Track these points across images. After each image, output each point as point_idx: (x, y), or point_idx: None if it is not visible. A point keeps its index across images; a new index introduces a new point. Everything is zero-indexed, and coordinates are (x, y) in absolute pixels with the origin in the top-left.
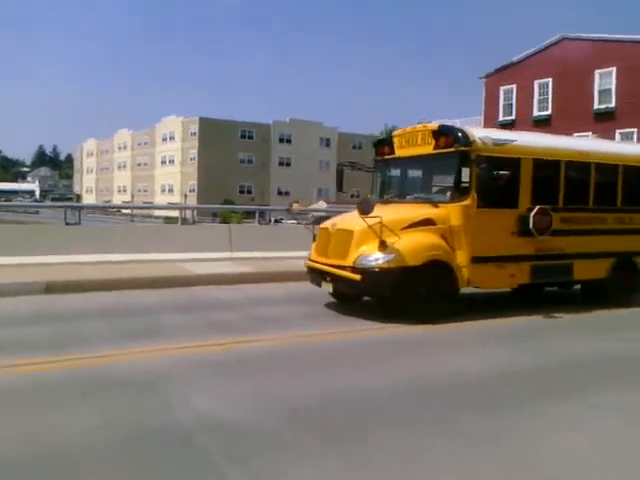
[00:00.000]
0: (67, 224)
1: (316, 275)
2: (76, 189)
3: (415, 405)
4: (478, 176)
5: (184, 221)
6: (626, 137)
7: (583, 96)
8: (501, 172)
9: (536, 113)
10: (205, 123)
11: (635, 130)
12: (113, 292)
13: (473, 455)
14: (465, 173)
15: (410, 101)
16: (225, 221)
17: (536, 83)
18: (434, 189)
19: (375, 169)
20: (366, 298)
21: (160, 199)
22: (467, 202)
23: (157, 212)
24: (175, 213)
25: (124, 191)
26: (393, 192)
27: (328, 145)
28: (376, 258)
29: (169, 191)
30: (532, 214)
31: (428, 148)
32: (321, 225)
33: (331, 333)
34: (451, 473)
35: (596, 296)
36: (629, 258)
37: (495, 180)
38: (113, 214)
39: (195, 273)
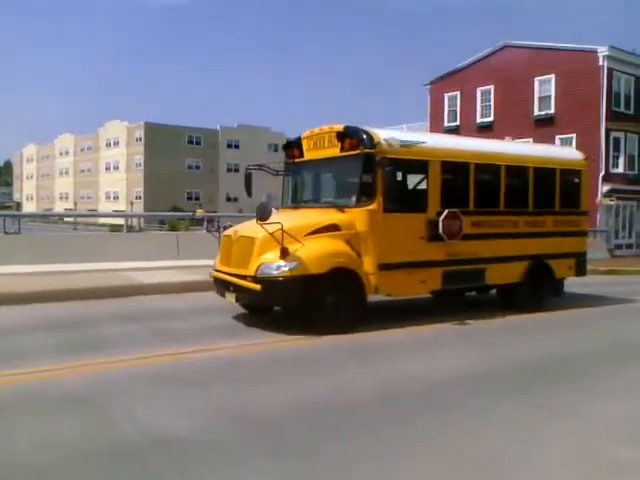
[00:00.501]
0: (6, 233)
1: (220, 285)
2: (16, 197)
3: (350, 417)
4: (384, 179)
5: (130, 229)
6: (565, 142)
7: (524, 103)
8: (409, 175)
9: (479, 119)
10: (151, 128)
11: (574, 135)
12: (54, 304)
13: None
14: (370, 176)
15: (361, 107)
16: (173, 229)
17: (479, 90)
18: (341, 193)
19: (285, 172)
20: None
21: (105, 206)
22: (373, 206)
23: (102, 220)
24: (121, 221)
25: (66, 198)
26: (302, 196)
27: (276, 150)
28: (278, 266)
29: (114, 198)
30: (442, 218)
31: (335, 150)
32: (224, 232)
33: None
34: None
35: (511, 300)
36: (543, 261)
37: (402, 183)
38: (55, 222)
39: (141, 282)
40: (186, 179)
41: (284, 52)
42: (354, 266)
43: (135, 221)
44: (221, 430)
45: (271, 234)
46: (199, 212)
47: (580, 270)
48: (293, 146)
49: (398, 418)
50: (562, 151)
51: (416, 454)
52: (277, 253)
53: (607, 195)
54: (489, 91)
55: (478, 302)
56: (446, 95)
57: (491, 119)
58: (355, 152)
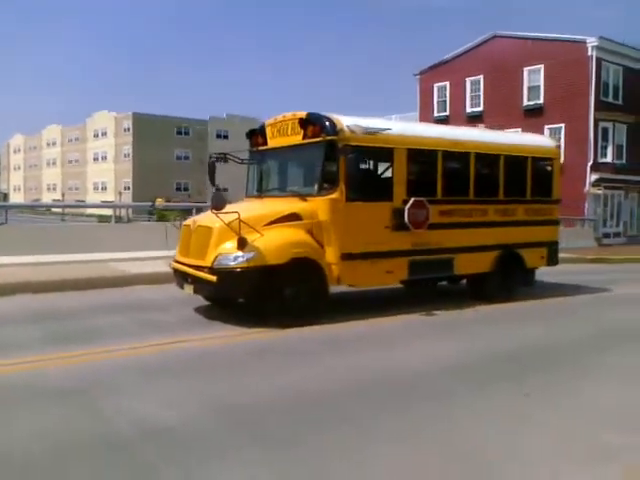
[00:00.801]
0: None
1: (179, 277)
2: (3, 187)
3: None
4: (347, 167)
5: (118, 220)
6: (554, 132)
7: (513, 93)
8: (373, 163)
9: (469, 109)
10: (139, 119)
11: (563, 125)
12: (41, 294)
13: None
14: (332, 164)
15: (352, 95)
16: (162, 219)
17: (468, 80)
18: (304, 182)
19: (250, 161)
20: None
21: (93, 197)
22: (335, 195)
23: (89, 211)
24: (109, 212)
25: (54, 189)
26: (267, 185)
27: None
28: (235, 257)
29: (102, 189)
30: (407, 207)
31: (298, 138)
32: (184, 222)
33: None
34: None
35: (481, 290)
36: (513, 250)
37: (366, 171)
38: (43, 213)
39: (128, 273)
40: (175, 170)
41: (284, 50)
42: (315, 256)
43: (124, 212)
44: (202, 421)
45: (227, 224)
46: (159, 201)
47: (552, 259)
48: (257, 134)
49: (379, 409)
50: (534, 139)
51: (400, 445)
52: (235, 243)
53: (595, 184)
54: (478, 81)
55: (449, 292)
56: (435, 85)
57: (481, 109)
58: (317, 139)
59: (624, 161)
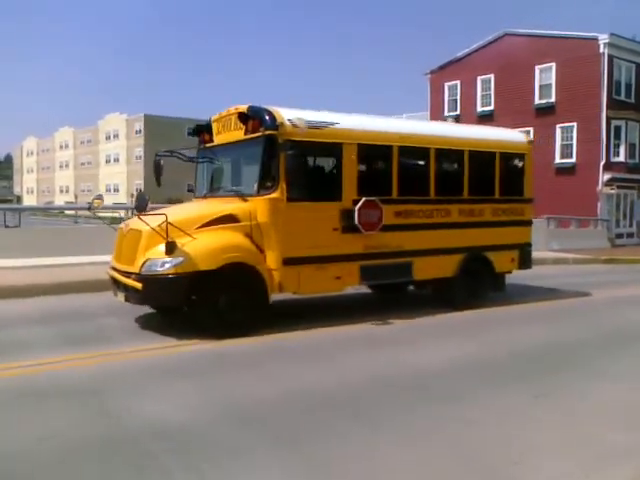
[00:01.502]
0: (6, 227)
1: (113, 284)
2: (16, 190)
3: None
4: (288, 164)
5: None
6: (566, 131)
7: (524, 91)
8: (319, 160)
9: (480, 108)
10: (150, 120)
11: (575, 124)
12: (54, 296)
13: None
14: (273, 161)
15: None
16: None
17: (479, 79)
18: (245, 181)
19: (198, 159)
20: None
21: (106, 199)
22: (275, 195)
23: (102, 213)
24: (122, 213)
25: (67, 191)
26: (212, 185)
27: None
28: (163, 263)
29: (114, 191)
30: (357, 207)
31: (240, 133)
32: (120, 225)
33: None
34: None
35: (446, 296)
36: (481, 253)
37: (311, 169)
38: (56, 216)
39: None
40: (187, 171)
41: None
42: (253, 261)
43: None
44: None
45: (154, 228)
46: (97, 203)
47: (524, 262)
48: (204, 130)
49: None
50: (503, 134)
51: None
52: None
53: (608, 184)
54: (489, 79)
55: (418, 298)
56: (446, 84)
57: (491, 108)
58: (257, 135)
59: (637, 160)
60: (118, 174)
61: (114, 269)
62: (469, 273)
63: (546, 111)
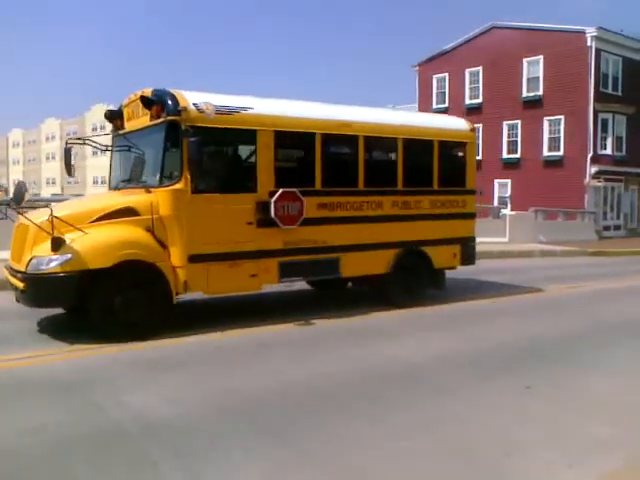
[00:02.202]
0: None
1: (8, 283)
2: (2, 182)
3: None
4: (192, 153)
5: None
6: (553, 124)
7: (512, 84)
8: (231, 148)
9: (468, 101)
10: None
11: (562, 117)
12: None
13: None
14: (176, 149)
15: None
16: None
17: (467, 71)
18: (149, 171)
19: (111, 147)
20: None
21: (93, 191)
22: (178, 186)
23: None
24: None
25: (53, 183)
26: (122, 175)
27: None
28: (49, 261)
29: (102, 182)
30: (274, 200)
31: (146, 119)
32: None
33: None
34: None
35: (380, 294)
36: (417, 248)
37: (221, 158)
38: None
39: None
40: None
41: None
42: (154, 258)
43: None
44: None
45: (35, 223)
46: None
47: (468, 258)
48: (115, 116)
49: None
50: (443, 121)
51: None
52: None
53: (595, 177)
54: (477, 72)
55: (355, 295)
56: (434, 77)
57: (480, 101)
58: (160, 120)
59: (624, 153)
60: (105, 166)
61: (8, 267)
62: (405, 269)
63: (534, 104)
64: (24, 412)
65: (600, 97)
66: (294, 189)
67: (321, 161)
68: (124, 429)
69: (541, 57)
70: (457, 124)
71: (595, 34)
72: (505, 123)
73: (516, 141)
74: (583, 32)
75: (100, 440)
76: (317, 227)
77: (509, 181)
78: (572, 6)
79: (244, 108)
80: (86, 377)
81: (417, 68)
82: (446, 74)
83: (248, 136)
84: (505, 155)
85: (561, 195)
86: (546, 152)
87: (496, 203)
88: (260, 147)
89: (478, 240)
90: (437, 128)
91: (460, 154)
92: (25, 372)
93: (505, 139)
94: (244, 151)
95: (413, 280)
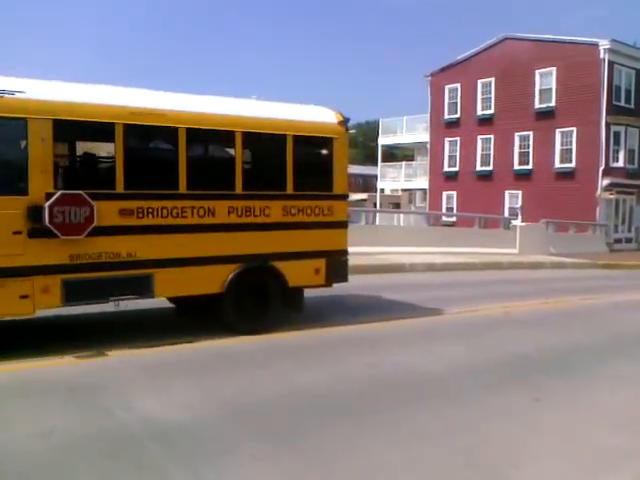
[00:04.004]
0: None
1: None
2: None
3: None
4: None
5: None
6: (566, 136)
7: (525, 95)
8: None
9: (480, 112)
10: None
11: (574, 129)
12: None
13: None
14: None
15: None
16: None
17: (479, 82)
18: None
19: None
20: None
21: None
22: None
23: None
24: None
25: None
26: None
27: None
28: None
29: None
30: (49, 204)
31: None
32: None
33: None
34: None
35: (216, 317)
36: (265, 263)
37: None
38: None
39: None
40: None
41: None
42: None
43: None
44: None
45: None
46: None
47: (335, 274)
48: None
49: None
50: (301, 112)
51: None
52: None
53: (607, 189)
54: (489, 83)
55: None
56: (447, 87)
57: (492, 111)
58: None
59: (636, 166)
60: None
61: None
62: (247, 288)
63: (546, 115)
64: (34, 415)
65: (612, 110)
66: (80, 191)
67: (124, 158)
68: (133, 433)
69: (554, 68)
70: (321, 116)
71: (608, 46)
72: (517, 134)
73: (528, 152)
74: (596, 44)
75: (109, 444)
76: (120, 237)
77: (520, 192)
78: (586, 14)
79: (11, 92)
80: (96, 381)
81: (429, 78)
82: (458, 84)
83: (15, 126)
84: (517, 166)
85: (572, 207)
86: (558, 164)
87: (507, 214)
88: (33, 140)
89: (488, 250)
90: (292, 120)
91: (325, 152)
92: (35, 375)
93: (517, 150)
94: (11, 144)
95: (260, 301)
